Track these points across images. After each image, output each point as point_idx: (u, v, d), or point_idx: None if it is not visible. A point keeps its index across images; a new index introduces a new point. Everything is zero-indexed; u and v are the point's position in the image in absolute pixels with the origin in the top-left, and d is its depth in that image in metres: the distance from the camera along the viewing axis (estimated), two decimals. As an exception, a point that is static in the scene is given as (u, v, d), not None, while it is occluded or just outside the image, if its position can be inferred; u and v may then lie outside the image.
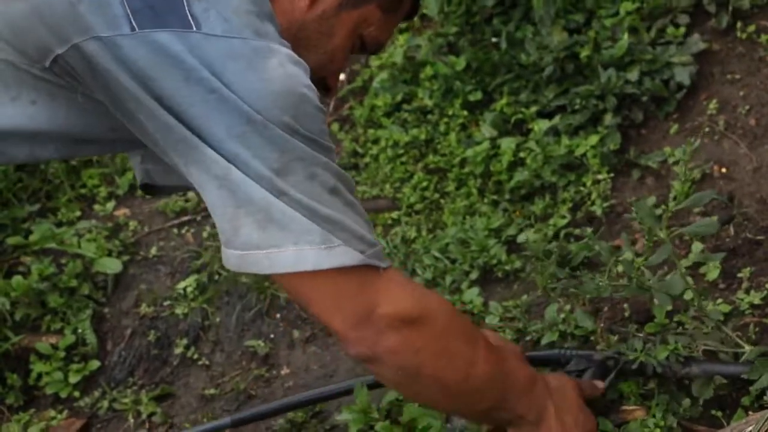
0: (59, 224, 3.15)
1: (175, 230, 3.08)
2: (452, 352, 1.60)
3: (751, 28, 2.73)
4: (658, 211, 1.90)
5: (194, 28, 1.39)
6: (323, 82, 1.64)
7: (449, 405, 1.71)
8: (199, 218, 3.08)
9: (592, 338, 2.17)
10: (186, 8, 1.40)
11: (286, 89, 1.41)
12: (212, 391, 2.66)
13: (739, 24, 2.75)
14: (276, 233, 1.41)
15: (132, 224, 3.12)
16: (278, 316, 2.76)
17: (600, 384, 1.99)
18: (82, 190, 3.27)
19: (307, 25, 1.59)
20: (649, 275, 2.01)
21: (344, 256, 1.44)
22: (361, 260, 1.46)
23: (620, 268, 2.15)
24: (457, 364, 1.61)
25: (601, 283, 2.00)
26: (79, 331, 2.87)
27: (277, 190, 1.41)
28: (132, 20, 1.38)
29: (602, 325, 2.25)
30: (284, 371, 2.63)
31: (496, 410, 1.73)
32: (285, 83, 1.41)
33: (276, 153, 1.40)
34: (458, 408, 1.73)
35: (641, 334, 2.08)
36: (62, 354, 2.82)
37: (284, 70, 1.41)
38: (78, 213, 3.20)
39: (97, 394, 2.76)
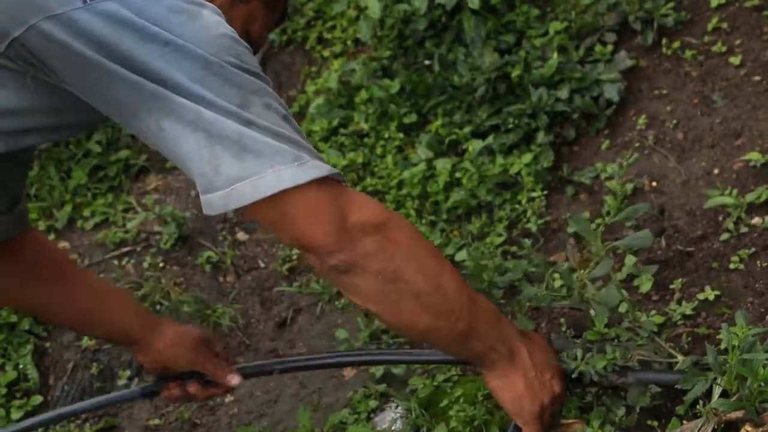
0: (-2, 259, 3.12)
1: (116, 261, 3.07)
2: (421, 257, 1.71)
3: (676, 44, 2.80)
4: (594, 224, 1.93)
5: None
6: None
7: (426, 322, 1.74)
8: (139, 249, 3.08)
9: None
10: None
11: (222, 33, 1.54)
12: (156, 421, 2.65)
13: (664, 40, 2.82)
14: (253, 161, 1.51)
15: (72, 257, 3.10)
16: (221, 343, 2.75)
17: None
18: (21, 225, 3.24)
19: None
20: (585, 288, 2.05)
21: (316, 168, 1.55)
22: (330, 170, 1.58)
23: (557, 283, 2.20)
24: (428, 269, 1.71)
25: (539, 294, 2.05)
26: (21, 366, 2.85)
27: (245, 120, 1.52)
28: None
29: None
30: (228, 398, 2.63)
31: (469, 337, 1.79)
32: (219, 29, 1.55)
33: (234, 89, 1.52)
34: (434, 328, 1.75)
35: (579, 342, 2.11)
36: (4, 390, 2.80)
37: (215, 18, 1.55)
38: (17, 247, 3.17)
39: (40, 429, 2.73)
